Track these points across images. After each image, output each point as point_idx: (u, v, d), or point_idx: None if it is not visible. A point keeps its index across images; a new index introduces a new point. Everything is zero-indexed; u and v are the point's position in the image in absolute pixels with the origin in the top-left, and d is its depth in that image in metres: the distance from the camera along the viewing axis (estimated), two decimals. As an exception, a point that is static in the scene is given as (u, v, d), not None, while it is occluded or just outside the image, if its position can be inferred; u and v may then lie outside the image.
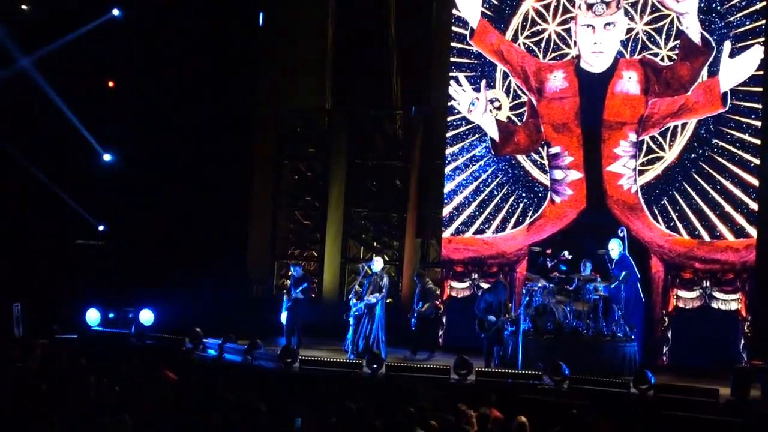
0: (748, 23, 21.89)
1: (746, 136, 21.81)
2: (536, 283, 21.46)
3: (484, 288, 23.20)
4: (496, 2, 24.47)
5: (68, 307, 23.94)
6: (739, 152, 21.82)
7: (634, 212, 22.69)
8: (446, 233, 24.71)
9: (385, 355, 21.13)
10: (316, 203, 27.74)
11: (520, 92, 24.12)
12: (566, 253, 22.08)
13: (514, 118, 24.19)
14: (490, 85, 24.37)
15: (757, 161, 21.69)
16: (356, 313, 21.74)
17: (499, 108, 24.33)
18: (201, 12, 26.30)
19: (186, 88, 25.47)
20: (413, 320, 22.73)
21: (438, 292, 24.64)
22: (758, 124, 21.72)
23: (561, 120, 23.56)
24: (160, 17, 26.55)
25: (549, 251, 22.25)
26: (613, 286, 21.04)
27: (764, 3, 21.83)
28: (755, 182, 21.69)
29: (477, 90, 24.47)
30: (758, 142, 21.71)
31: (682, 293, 22.27)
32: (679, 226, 22.31)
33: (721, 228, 21.88)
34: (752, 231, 21.64)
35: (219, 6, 26.54)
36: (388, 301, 22.36)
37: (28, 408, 15.61)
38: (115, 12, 26.43)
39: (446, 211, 24.75)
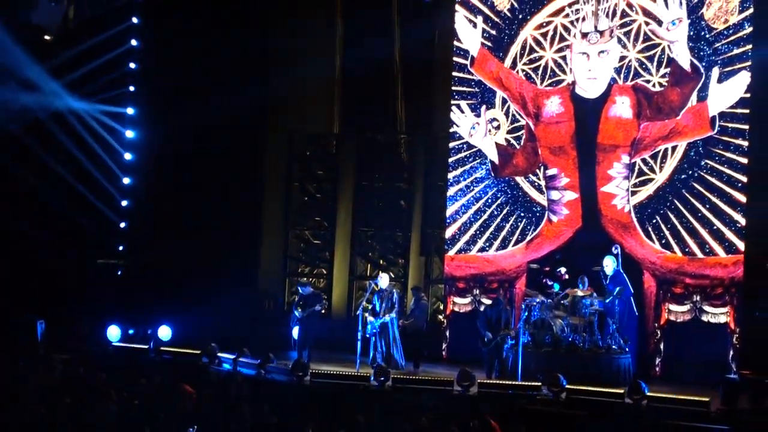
0: (735, 50, 21.94)
1: (734, 156, 21.81)
2: (534, 299, 21.51)
3: (485, 304, 23.25)
4: (495, 33, 24.60)
5: (90, 324, 23.94)
6: (728, 171, 21.83)
7: (628, 231, 22.75)
8: (451, 252, 24.83)
9: (403, 366, 21.30)
10: (325, 223, 27.91)
11: (518, 117, 24.22)
12: (563, 269, 22.17)
13: (512, 141, 24.30)
14: (489, 107, 24.53)
15: (744, 179, 21.70)
16: (374, 331, 21.83)
17: (498, 128, 24.48)
18: (213, 38, 26.43)
19: (200, 116, 25.49)
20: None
21: (441, 306, 24.82)
22: (745, 144, 21.73)
23: (557, 143, 23.64)
24: (171, 43, 26.69)
25: (547, 269, 22.33)
26: (607, 301, 21.10)
27: (750, 29, 21.87)
28: (743, 199, 21.70)
29: (478, 115, 24.60)
30: (745, 161, 21.72)
31: (674, 307, 22.28)
32: (672, 243, 22.34)
33: (713, 244, 21.88)
34: (742, 245, 21.63)
35: (231, 34, 26.64)
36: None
37: (51, 421, 15.71)
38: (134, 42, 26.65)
39: (451, 231, 24.89)
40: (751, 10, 21.89)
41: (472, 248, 24.58)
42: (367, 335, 21.91)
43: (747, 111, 21.79)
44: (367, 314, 22.02)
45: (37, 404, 16.73)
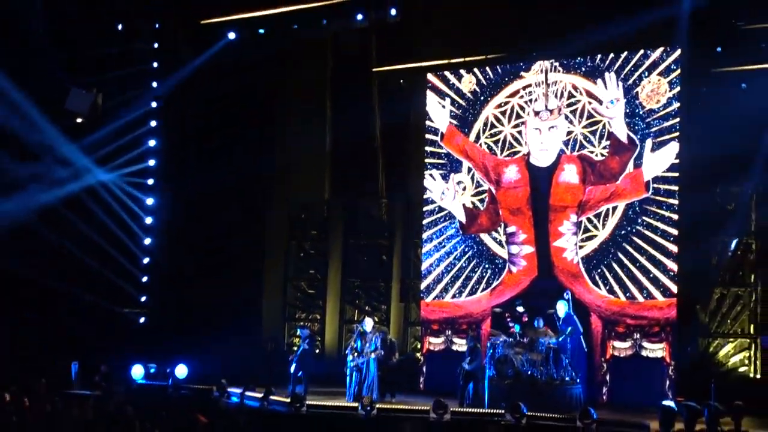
0: (665, 123, 22.11)
1: (666, 213, 21.94)
2: (498, 338, 21.45)
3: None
4: (460, 112, 24.75)
5: (117, 364, 23.78)
6: (661, 226, 21.94)
7: (577, 279, 22.75)
8: (428, 299, 24.80)
9: (377, 397, 21.10)
10: (318, 276, 27.92)
11: (481, 183, 24.28)
12: (520, 309, 22.15)
13: (477, 203, 24.36)
14: (457, 173, 24.64)
15: (675, 232, 21.81)
16: (358, 366, 21.57)
17: (464, 189, 24.58)
18: (221, 118, 26.72)
19: (210, 186, 25.70)
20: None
21: (419, 345, 24.88)
22: (675, 202, 21.88)
23: (515, 205, 23.69)
24: (185, 125, 26.95)
25: (508, 315, 22.29)
26: (560, 339, 21.00)
27: (677, 105, 22.01)
28: (675, 249, 21.79)
29: (447, 182, 24.70)
30: (676, 217, 21.86)
31: (617, 344, 22.25)
32: (615, 288, 22.37)
33: (651, 288, 21.92)
34: (675, 288, 21.69)
35: (236, 115, 26.90)
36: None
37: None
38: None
39: (427, 281, 24.93)
40: (678, 89, 22.06)
41: (445, 295, 24.57)
42: (347, 371, 21.73)
43: (676, 175, 21.95)
44: (355, 354, 21.86)
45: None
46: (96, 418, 18.02)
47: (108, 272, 25.95)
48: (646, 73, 22.50)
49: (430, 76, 25.46)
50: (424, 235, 25.15)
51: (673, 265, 21.76)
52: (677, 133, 21.98)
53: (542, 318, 21.47)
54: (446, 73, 25.24)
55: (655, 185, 22.10)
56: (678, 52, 22.20)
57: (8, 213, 23.75)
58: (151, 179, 26.92)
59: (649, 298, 21.93)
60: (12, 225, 23.94)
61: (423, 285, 25.04)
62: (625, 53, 22.78)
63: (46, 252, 25.00)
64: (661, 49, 22.38)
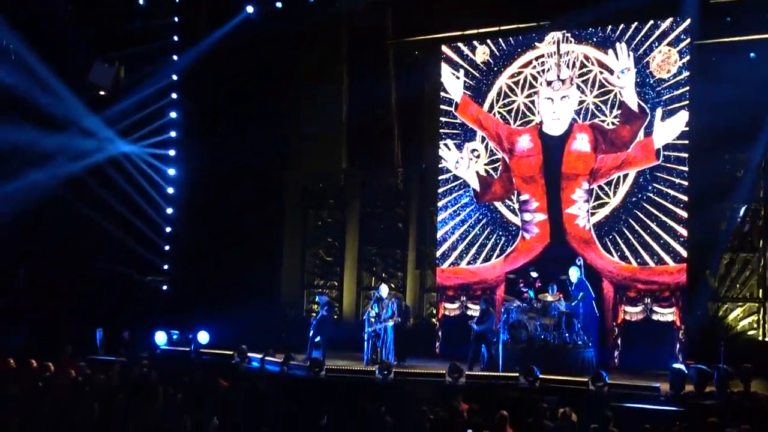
0: (674, 92, 21.92)
1: (677, 180, 21.81)
2: (512, 303, 21.39)
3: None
4: (474, 83, 24.57)
5: (141, 331, 23.76)
6: (672, 192, 21.83)
7: (589, 245, 22.63)
8: (444, 265, 24.73)
9: (394, 361, 21.01)
10: (336, 244, 27.84)
11: (495, 151, 24.10)
12: (534, 274, 22.03)
13: (491, 172, 24.22)
14: (471, 141, 24.47)
15: (686, 198, 21.72)
16: (376, 332, 21.54)
17: (478, 157, 24.44)
18: (241, 90, 26.57)
19: (230, 155, 25.63)
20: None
21: (434, 311, 24.81)
22: (685, 169, 21.75)
23: (528, 173, 23.54)
24: (205, 96, 26.83)
25: (521, 281, 22.16)
26: (573, 304, 20.94)
27: (687, 74, 21.80)
28: (685, 215, 21.69)
29: (461, 151, 24.54)
30: (686, 183, 21.76)
31: (628, 308, 22.18)
32: (627, 254, 22.25)
33: (661, 254, 21.84)
34: (686, 254, 21.58)
35: (255, 86, 26.76)
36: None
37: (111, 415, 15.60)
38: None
39: (442, 248, 24.82)
40: (687, 58, 21.87)
41: (460, 262, 24.48)
42: (365, 336, 21.71)
43: (686, 142, 21.80)
44: (372, 319, 21.81)
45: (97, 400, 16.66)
46: (121, 384, 17.99)
47: (131, 241, 25.93)
48: (656, 43, 22.29)
49: (444, 48, 25.26)
50: (439, 204, 25.03)
51: (683, 231, 21.67)
52: (687, 102, 21.82)
53: (555, 284, 21.37)
54: (460, 44, 25.04)
55: (666, 153, 21.94)
56: (687, 21, 22.00)
57: (37, 183, 23.70)
58: (172, 150, 26.82)
59: (659, 263, 21.83)
60: (40, 194, 23.89)
61: (438, 252, 24.95)
62: (636, 23, 22.57)
63: (70, 221, 24.97)
64: (671, 19, 22.19)
